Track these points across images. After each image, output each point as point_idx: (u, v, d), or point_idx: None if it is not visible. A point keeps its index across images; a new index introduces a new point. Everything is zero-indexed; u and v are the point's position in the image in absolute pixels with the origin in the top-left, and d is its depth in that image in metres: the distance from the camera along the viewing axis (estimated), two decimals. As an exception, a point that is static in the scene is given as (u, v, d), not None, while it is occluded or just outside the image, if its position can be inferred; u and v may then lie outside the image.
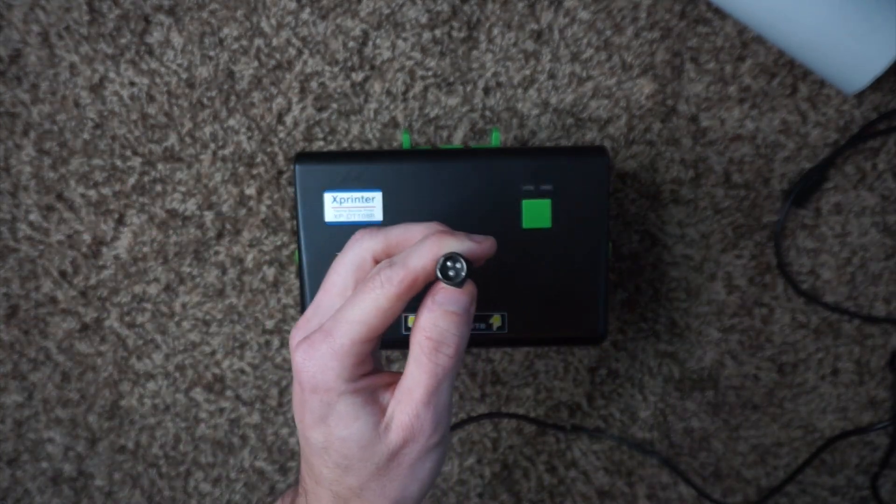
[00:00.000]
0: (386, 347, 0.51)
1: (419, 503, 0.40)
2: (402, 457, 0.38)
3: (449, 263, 0.36)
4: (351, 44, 0.57)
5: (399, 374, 0.39)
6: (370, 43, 0.57)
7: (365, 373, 0.38)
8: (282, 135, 0.58)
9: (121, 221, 0.59)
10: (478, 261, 0.38)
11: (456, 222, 0.49)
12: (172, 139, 0.58)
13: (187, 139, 0.58)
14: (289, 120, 0.58)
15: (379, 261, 0.38)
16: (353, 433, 0.37)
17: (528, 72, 0.57)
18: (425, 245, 0.37)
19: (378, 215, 0.49)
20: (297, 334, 0.39)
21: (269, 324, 0.59)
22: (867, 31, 0.51)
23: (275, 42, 0.57)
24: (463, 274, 0.36)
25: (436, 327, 0.37)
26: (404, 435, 0.37)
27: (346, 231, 0.49)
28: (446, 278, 0.36)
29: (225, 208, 0.58)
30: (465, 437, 0.61)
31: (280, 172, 0.58)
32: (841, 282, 0.59)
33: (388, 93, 0.57)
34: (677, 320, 0.60)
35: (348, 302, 0.37)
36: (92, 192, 0.58)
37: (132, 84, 0.57)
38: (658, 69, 0.57)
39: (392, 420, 0.38)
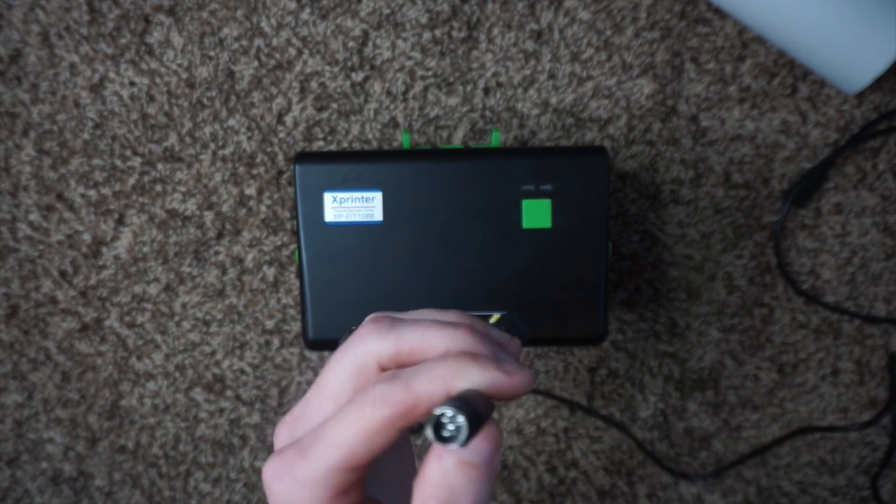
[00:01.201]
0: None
1: None
2: None
3: (445, 417, 0.26)
4: (351, 44, 0.57)
5: None
6: (370, 43, 0.57)
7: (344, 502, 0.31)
8: (282, 135, 0.58)
9: (121, 221, 0.59)
10: (504, 396, 0.29)
11: (456, 222, 0.49)
12: (172, 139, 0.58)
13: (187, 139, 0.58)
14: (289, 120, 0.58)
15: (385, 369, 0.30)
16: None
17: (528, 72, 0.57)
18: (439, 368, 0.28)
19: (378, 215, 0.49)
20: (281, 433, 0.32)
21: (269, 324, 0.59)
22: (867, 30, 0.51)
23: (275, 42, 0.57)
24: (462, 437, 0.26)
25: (445, 484, 0.27)
26: None
27: (346, 231, 0.49)
28: (440, 439, 0.26)
29: (225, 208, 0.58)
30: (465, 438, 0.61)
31: (280, 172, 0.58)
32: (841, 282, 0.59)
33: (388, 93, 0.57)
34: (677, 320, 0.60)
35: (333, 417, 0.29)
36: (92, 192, 0.58)
37: (132, 84, 0.57)
38: (658, 69, 0.57)
39: None
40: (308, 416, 0.31)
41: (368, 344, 0.30)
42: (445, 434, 0.26)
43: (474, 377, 0.28)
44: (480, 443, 0.27)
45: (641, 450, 0.61)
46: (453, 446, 0.26)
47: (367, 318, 0.31)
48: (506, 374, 0.28)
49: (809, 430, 0.60)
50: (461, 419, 0.26)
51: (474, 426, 0.26)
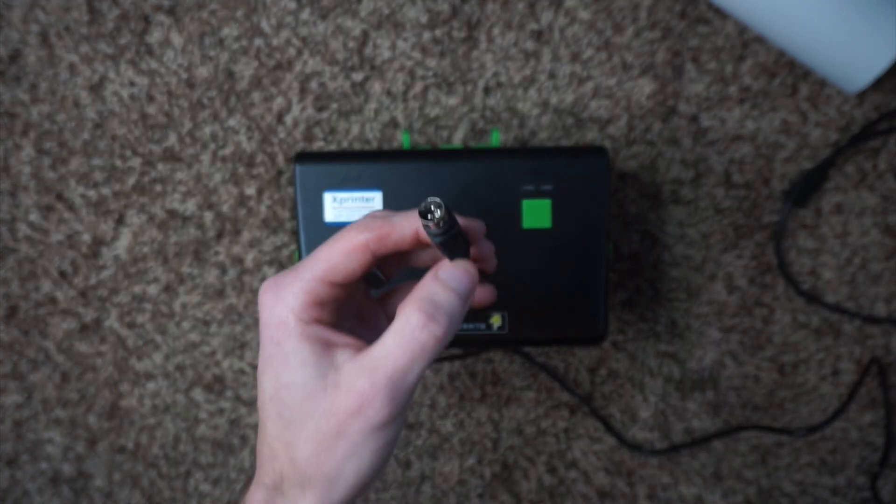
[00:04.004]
0: None
1: (355, 490, 0.36)
2: (345, 427, 0.35)
3: (432, 206, 0.35)
4: (351, 44, 0.57)
5: (364, 344, 0.36)
6: (370, 43, 0.57)
7: (321, 319, 0.36)
8: (282, 135, 0.58)
9: (121, 221, 0.58)
10: (464, 230, 0.38)
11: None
12: (172, 139, 0.58)
13: (187, 139, 0.58)
14: (289, 120, 0.57)
15: (374, 250, 0.37)
16: (297, 380, 0.35)
17: (528, 72, 0.57)
18: (412, 213, 0.37)
19: (378, 215, 0.49)
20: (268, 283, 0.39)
21: (269, 324, 0.59)
22: (868, 30, 0.51)
23: (275, 42, 0.57)
24: (439, 213, 0.35)
25: (432, 300, 0.35)
26: (353, 401, 0.34)
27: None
28: (425, 218, 0.35)
29: (225, 208, 0.58)
30: (466, 438, 0.61)
31: (280, 172, 0.58)
32: (841, 282, 0.59)
33: (388, 93, 0.57)
34: (678, 320, 0.60)
35: (322, 244, 0.37)
36: (92, 192, 0.58)
37: (132, 84, 0.57)
38: (658, 69, 0.57)
39: (346, 381, 0.35)
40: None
41: (358, 226, 0.37)
42: (430, 210, 0.35)
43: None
44: (461, 274, 0.36)
45: (574, 395, 0.61)
46: (431, 225, 0.35)
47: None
48: (465, 219, 0.38)
49: (748, 428, 0.59)
50: (442, 210, 0.35)
51: (452, 223, 0.35)
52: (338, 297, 0.37)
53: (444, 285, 0.36)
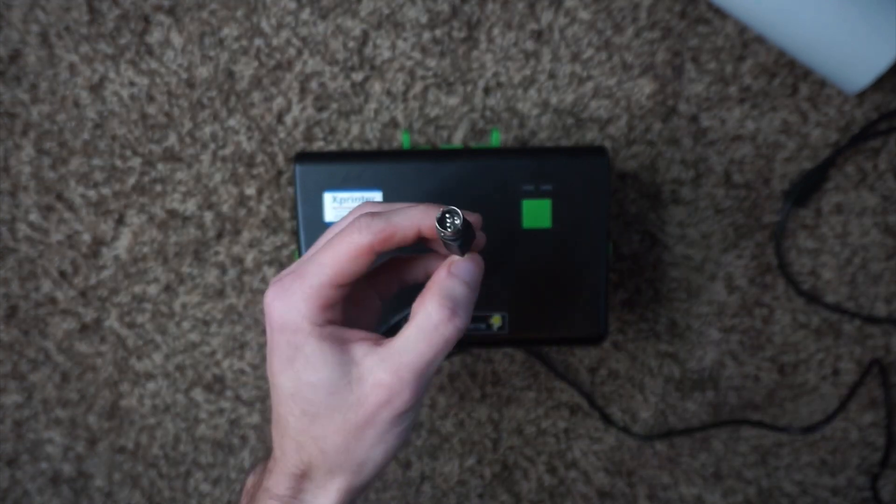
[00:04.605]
0: None
1: (380, 470, 0.39)
2: (373, 417, 0.37)
3: (447, 215, 0.36)
4: (351, 44, 0.57)
5: (375, 336, 0.38)
6: (370, 43, 0.57)
7: (333, 320, 0.38)
8: (282, 135, 0.58)
9: (121, 221, 0.58)
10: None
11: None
12: (172, 139, 0.58)
13: (187, 139, 0.58)
14: (289, 120, 0.57)
15: (378, 251, 0.38)
16: (321, 378, 0.37)
17: (528, 72, 0.57)
18: (414, 209, 0.38)
19: (378, 215, 0.49)
20: (272, 287, 0.39)
21: (269, 324, 0.59)
22: (868, 30, 0.50)
23: (275, 42, 0.57)
24: (458, 222, 0.36)
25: (452, 296, 0.37)
26: (381, 394, 0.37)
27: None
28: (443, 227, 0.36)
29: (225, 208, 0.58)
30: (466, 438, 0.61)
31: (280, 172, 0.58)
32: (842, 282, 0.59)
33: (388, 93, 0.57)
34: (678, 320, 0.60)
35: (324, 246, 0.37)
36: (92, 192, 0.58)
37: (132, 84, 0.57)
38: (658, 69, 0.57)
39: (370, 375, 0.37)
40: (300, 263, 0.38)
41: (360, 228, 0.38)
42: (447, 224, 0.36)
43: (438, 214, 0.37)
44: (473, 268, 0.38)
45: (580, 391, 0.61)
46: (448, 233, 0.36)
47: (357, 210, 0.40)
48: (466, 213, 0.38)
49: (742, 423, 0.59)
50: (459, 218, 0.36)
51: (466, 224, 0.36)
52: (343, 295, 0.39)
53: (460, 280, 0.37)
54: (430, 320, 0.37)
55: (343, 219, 0.40)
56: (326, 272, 0.37)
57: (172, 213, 0.58)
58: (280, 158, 0.58)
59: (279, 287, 0.37)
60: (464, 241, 0.38)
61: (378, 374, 0.37)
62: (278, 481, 0.39)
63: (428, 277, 0.41)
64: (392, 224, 0.37)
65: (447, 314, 0.36)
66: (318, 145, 0.58)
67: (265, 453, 0.61)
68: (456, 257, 0.38)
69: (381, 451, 0.38)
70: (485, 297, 0.50)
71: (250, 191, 0.58)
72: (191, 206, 0.58)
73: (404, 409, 0.37)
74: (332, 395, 0.37)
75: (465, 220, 0.36)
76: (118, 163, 0.58)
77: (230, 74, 0.57)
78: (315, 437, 0.38)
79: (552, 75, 0.57)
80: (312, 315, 0.37)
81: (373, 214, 0.37)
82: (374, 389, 0.37)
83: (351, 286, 0.39)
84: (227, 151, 0.58)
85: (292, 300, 0.37)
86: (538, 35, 0.57)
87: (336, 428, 0.37)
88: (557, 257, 0.50)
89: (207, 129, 0.58)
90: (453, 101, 0.57)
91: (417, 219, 0.37)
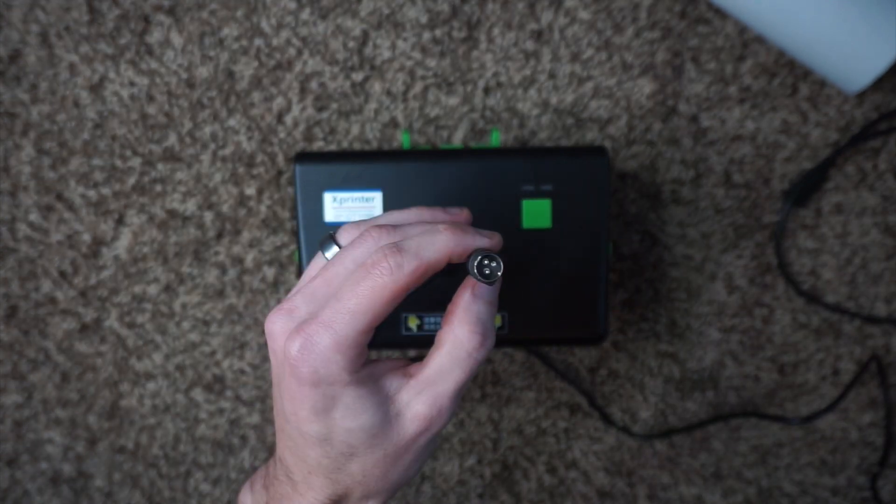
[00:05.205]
0: (383, 347, 0.51)
1: (409, 481, 0.40)
2: (412, 445, 0.38)
3: (486, 262, 0.36)
4: (351, 44, 0.57)
5: (401, 363, 0.39)
6: (370, 43, 0.57)
7: (364, 360, 0.37)
8: (282, 135, 0.58)
9: (121, 221, 0.58)
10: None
11: (456, 222, 0.49)
12: (172, 139, 0.58)
13: (187, 139, 0.58)
14: (289, 120, 0.57)
15: (410, 287, 0.37)
16: (362, 424, 0.36)
17: (528, 72, 0.57)
18: (440, 238, 0.36)
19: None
20: (280, 321, 0.37)
21: (269, 324, 0.59)
22: (868, 30, 0.51)
23: (275, 42, 0.57)
24: (499, 273, 0.36)
25: (480, 320, 0.37)
26: (421, 425, 0.37)
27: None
28: (483, 276, 0.36)
29: (225, 208, 0.58)
30: (466, 438, 0.61)
31: (280, 172, 0.58)
32: (842, 282, 0.59)
33: (388, 93, 0.57)
34: (678, 320, 0.60)
35: (348, 290, 0.35)
36: (92, 192, 0.58)
37: (132, 84, 0.57)
38: (658, 69, 0.57)
39: (408, 409, 0.37)
40: (314, 303, 0.37)
41: (377, 245, 0.37)
42: (486, 272, 0.36)
43: (468, 242, 0.36)
44: (493, 290, 0.37)
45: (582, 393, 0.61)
46: (492, 281, 0.36)
47: (371, 225, 0.38)
48: (486, 237, 0.37)
49: (742, 415, 0.59)
50: (497, 263, 0.36)
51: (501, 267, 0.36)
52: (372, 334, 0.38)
53: (484, 301, 0.37)
54: (464, 348, 0.37)
55: (356, 243, 0.37)
56: (360, 320, 0.35)
57: (172, 213, 0.58)
58: (280, 158, 0.58)
59: (306, 339, 0.35)
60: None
61: (416, 408, 0.37)
62: None
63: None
64: (424, 261, 0.35)
65: (479, 340, 0.37)
66: (318, 145, 0.58)
67: (265, 453, 0.61)
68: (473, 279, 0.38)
69: (416, 469, 0.39)
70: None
71: (250, 191, 0.58)
72: (191, 206, 0.58)
73: (440, 430, 0.38)
74: (373, 437, 0.37)
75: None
76: (118, 163, 0.58)
77: (230, 74, 0.57)
78: (352, 472, 0.38)
79: (552, 75, 0.57)
80: (350, 366, 0.36)
81: (398, 248, 0.35)
82: (413, 422, 0.37)
83: None
84: (227, 151, 0.58)
85: (326, 354, 0.35)
86: (538, 35, 0.57)
87: (375, 461, 0.38)
88: (557, 257, 0.50)
89: (207, 129, 0.58)
90: (453, 101, 0.57)
91: (447, 249, 0.36)
